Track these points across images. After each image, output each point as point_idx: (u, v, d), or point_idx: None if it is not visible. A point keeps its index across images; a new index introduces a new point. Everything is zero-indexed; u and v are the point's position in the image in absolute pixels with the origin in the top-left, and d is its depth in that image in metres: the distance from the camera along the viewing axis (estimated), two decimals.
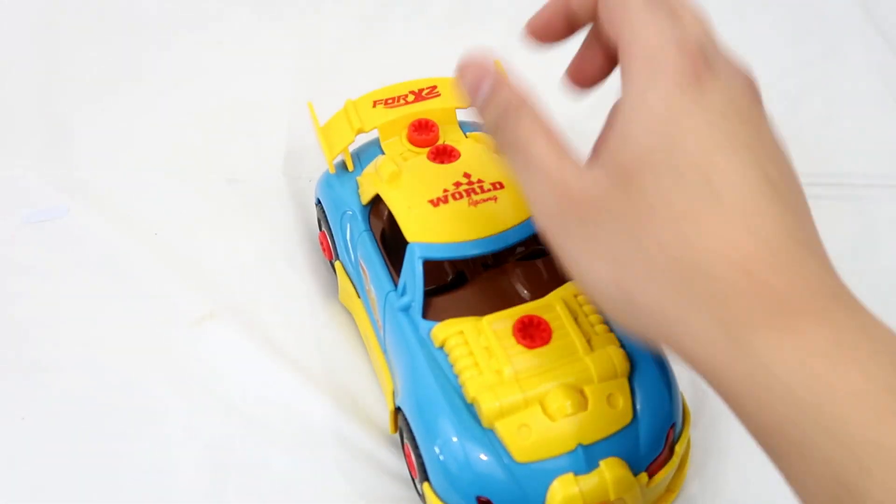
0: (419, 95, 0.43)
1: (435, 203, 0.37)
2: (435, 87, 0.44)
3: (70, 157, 0.53)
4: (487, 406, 0.33)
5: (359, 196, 0.42)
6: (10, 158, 0.53)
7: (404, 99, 0.43)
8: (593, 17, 0.33)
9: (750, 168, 0.28)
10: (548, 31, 0.34)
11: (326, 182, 0.44)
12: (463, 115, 0.44)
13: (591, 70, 0.35)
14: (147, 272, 0.47)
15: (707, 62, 0.29)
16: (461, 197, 0.38)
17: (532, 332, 0.35)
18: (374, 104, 0.43)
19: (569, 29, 0.34)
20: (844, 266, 0.48)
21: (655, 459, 0.35)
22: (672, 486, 0.38)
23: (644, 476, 0.34)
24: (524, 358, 0.34)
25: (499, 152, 0.32)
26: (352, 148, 0.43)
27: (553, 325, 0.35)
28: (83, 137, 0.54)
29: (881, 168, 0.53)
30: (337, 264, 0.44)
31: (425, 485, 0.35)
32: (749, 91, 0.30)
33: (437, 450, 0.34)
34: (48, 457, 0.40)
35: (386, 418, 0.41)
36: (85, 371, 0.43)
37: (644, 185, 0.28)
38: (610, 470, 0.33)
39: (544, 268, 0.40)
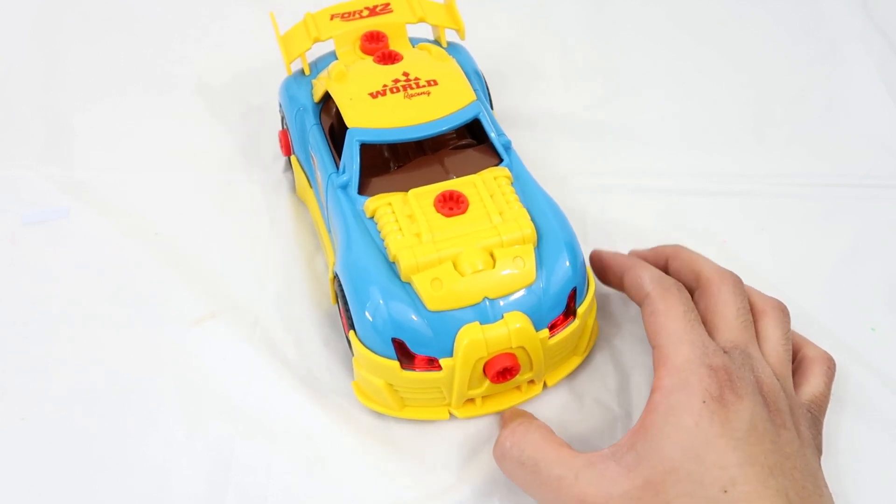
0: (373, 11, 0.49)
1: (374, 95, 0.42)
2: (388, 4, 0.49)
3: (70, 157, 0.53)
4: (405, 262, 0.38)
5: (312, 95, 0.46)
6: (10, 158, 0.53)
7: (359, 14, 0.48)
8: (631, 296, 0.41)
9: (770, 490, 0.32)
10: (608, 279, 0.44)
11: (286, 85, 0.49)
12: (413, 31, 0.49)
13: (609, 280, 0.44)
14: (147, 272, 0.47)
15: (733, 384, 0.34)
16: (398, 91, 0.42)
17: (451, 204, 0.40)
18: (332, 17, 0.48)
19: (621, 284, 0.42)
20: (844, 266, 0.49)
21: (557, 318, 0.39)
22: (578, 350, 0.42)
23: (546, 332, 0.38)
24: (442, 224, 0.39)
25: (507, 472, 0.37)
26: (311, 58, 0.48)
27: (471, 198, 0.40)
28: (83, 137, 0.54)
29: (881, 168, 0.53)
30: (292, 158, 0.49)
31: (351, 332, 0.40)
32: (769, 406, 0.35)
33: (361, 299, 0.38)
34: (48, 457, 0.40)
35: (385, 426, 0.41)
36: (85, 371, 0.43)
37: (668, 495, 0.32)
38: (512, 321, 0.37)
39: (472, 155, 0.43)
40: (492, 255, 0.38)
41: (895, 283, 0.47)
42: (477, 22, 0.51)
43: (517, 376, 0.39)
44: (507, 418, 0.39)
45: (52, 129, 0.54)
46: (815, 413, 0.37)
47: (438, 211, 0.39)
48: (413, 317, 0.37)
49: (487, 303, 0.37)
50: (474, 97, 0.43)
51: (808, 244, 0.49)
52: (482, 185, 0.40)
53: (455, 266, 0.38)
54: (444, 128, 0.41)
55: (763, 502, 0.32)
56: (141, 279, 0.46)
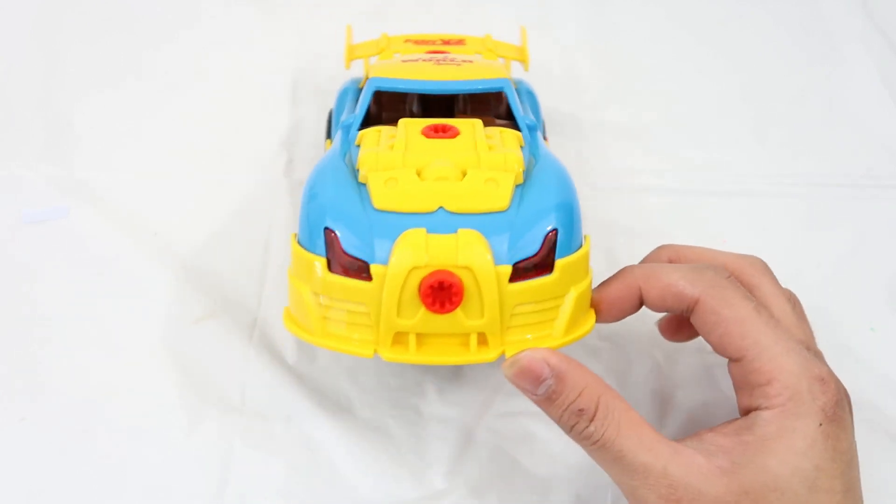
0: (447, 42, 0.50)
1: (406, 61, 0.43)
2: (463, 40, 0.50)
3: (70, 157, 0.53)
4: (366, 161, 0.35)
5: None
6: (10, 158, 0.53)
7: (433, 42, 0.50)
8: (667, 309, 0.35)
9: None
10: (618, 312, 0.37)
11: (345, 84, 0.50)
12: None
13: (621, 310, 0.37)
14: (146, 272, 0.47)
15: (840, 398, 0.32)
16: (430, 61, 0.43)
17: (439, 130, 0.37)
18: (406, 41, 0.50)
19: (637, 307, 0.36)
20: (844, 266, 0.49)
21: (527, 260, 0.33)
22: (557, 329, 0.35)
23: (507, 269, 0.33)
24: (421, 143, 0.36)
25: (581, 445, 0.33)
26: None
27: (464, 132, 0.37)
28: (84, 137, 0.54)
29: (881, 168, 0.53)
30: (327, 141, 0.48)
31: (292, 234, 0.36)
32: (850, 418, 0.33)
33: (307, 194, 0.36)
34: (48, 457, 0.40)
35: (385, 426, 0.41)
36: (84, 371, 0.43)
37: None
38: (465, 237, 0.32)
39: (495, 125, 0.41)
40: (463, 173, 0.34)
41: (895, 283, 0.47)
42: (478, 23, 0.51)
43: (461, 317, 0.33)
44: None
45: (52, 129, 0.54)
46: None
47: (423, 134, 0.37)
48: (352, 208, 0.34)
49: (442, 212, 0.33)
50: (506, 76, 0.42)
51: (809, 244, 0.49)
52: (481, 129, 0.37)
53: (419, 174, 0.34)
54: (464, 88, 0.41)
55: None
56: (140, 279, 0.46)
